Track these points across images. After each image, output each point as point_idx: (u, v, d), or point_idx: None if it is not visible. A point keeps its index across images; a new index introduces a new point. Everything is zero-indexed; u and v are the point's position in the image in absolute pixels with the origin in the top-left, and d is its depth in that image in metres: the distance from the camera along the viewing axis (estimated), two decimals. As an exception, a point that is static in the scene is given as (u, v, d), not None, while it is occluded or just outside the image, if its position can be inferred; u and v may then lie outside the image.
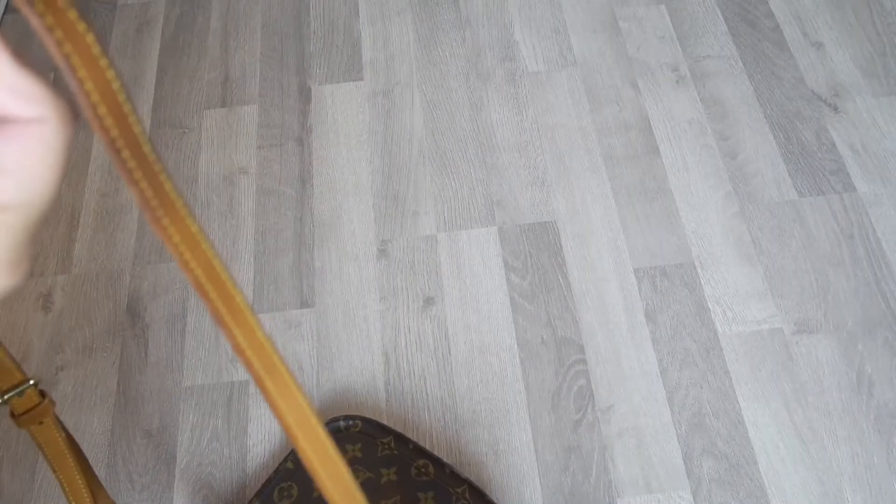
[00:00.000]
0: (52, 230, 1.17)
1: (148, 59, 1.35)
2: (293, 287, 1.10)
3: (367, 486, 0.89)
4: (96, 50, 0.21)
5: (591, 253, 1.10)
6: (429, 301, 1.08)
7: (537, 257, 1.10)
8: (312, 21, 1.38)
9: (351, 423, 0.95)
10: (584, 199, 1.15)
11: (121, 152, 0.22)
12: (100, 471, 0.98)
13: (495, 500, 0.90)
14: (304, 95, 1.29)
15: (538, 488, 0.94)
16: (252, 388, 1.02)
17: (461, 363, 1.03)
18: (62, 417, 1.02)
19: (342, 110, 1.27)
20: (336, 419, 0.95)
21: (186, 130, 1.26)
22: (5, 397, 0.57)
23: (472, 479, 0.94)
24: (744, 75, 1.25)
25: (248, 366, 0.27)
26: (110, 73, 0.21)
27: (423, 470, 0.90)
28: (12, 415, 0.59)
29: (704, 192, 1.15)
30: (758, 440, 0.95)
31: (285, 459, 0.93)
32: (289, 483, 0.91)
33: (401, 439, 0.93)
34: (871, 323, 1.02)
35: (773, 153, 1.17)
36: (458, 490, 0.89)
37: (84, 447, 1.00)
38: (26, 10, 0.20)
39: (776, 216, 1.12)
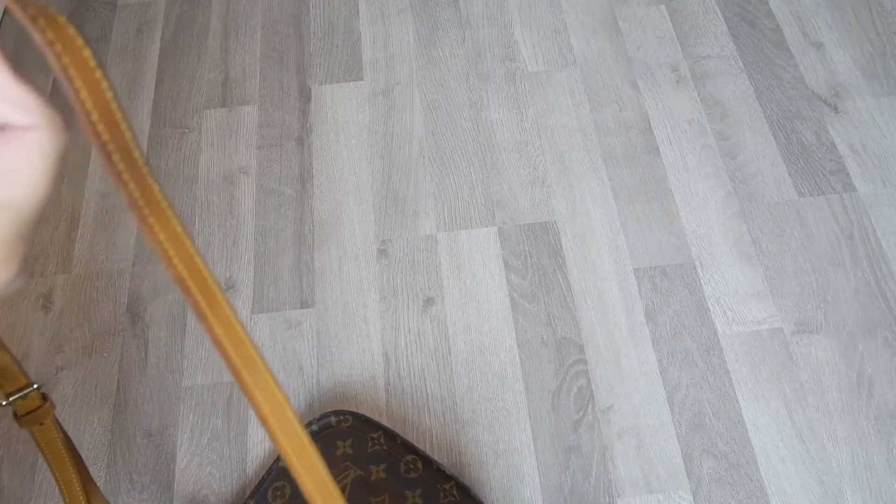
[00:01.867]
0: (52, 230, 1.17)
1: (148, 59, 1.35)
2: (293, 287, 1.10)
3: (358, 484, 0.89)
4: (92, 63, 0.23)
5: (591, 253, 1.10)
6: (429, 301, 1.08)
7: (537, 257, 1.10)
8: (312, 21, 1.38)
9: (342, 418, 0.95)
10: (584, 199, 1.15)
11: (112, 156, 0.24)
12: (100, 470, 0.98)
13: (481, 498, 0.90)
14: (304, 95, 1.29)
15: (538, 488, 0.94)
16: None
17: (461, 363, 1.03)
18: (62, 417, 1.03)
19: (342, 110, 1.27)
20: (326, 414, 0.96)
21: (186, 130, 1.26)
22: (10, 399, 0.59)
23: (470, 478, 0.94)
24: (744, 75, 1.25)
25: (227, 358, 0.28)
26: (104, 84, 0.23)
27: (411, 466, 0.91)
28: (15, 415, 0.62)
29: (704, 192, 1.15)
30: (758, 440, 0.95)
31: (278, 459, 0.93)
32: (282, 482, 0.91)
33: (389, 435, 0.93)
34: (871, 323, 1.02)
35: (773, 153, 1.17)
36: (446, 487, 0.89)
37: (84, 447, 1.00)
38: (29, 27, 0.22)
39: (776, 216, 1.12)
